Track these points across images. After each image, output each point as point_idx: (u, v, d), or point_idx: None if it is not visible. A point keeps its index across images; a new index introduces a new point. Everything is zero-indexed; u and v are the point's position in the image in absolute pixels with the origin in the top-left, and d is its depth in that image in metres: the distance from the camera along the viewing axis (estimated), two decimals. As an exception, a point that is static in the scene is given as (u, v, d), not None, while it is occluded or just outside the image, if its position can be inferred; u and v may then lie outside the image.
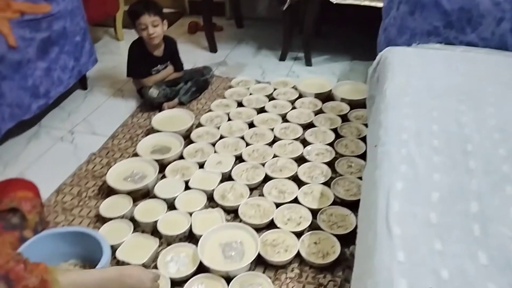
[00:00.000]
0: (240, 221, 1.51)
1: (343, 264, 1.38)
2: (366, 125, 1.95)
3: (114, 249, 1.37)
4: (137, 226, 1.51)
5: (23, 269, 0.94)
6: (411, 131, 1.15)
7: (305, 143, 1.90)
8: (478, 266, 0.78)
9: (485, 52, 1.66)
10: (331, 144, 1.88)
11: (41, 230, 1.36)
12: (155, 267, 1.35)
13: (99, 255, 1.24)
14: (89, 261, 1.35)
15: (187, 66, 2.42)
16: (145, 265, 1.35)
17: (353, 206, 1.53)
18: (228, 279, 1.29)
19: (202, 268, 1.34)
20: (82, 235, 1.32)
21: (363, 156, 1.79)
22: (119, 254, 1.37)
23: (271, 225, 1.51)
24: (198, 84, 2.36)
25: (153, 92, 2.20)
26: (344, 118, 2.07)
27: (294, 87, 2.35)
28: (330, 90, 2.28)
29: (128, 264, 1.34)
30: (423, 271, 0.78)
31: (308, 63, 2.69)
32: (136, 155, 1.86)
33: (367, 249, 0.89)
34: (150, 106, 2.24)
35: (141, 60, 2.22)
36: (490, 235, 0.84)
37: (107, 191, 1.69)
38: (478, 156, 1.04)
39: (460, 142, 1.09)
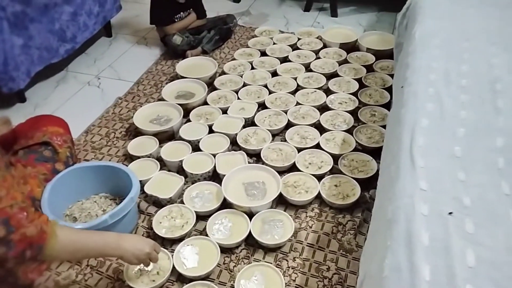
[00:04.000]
0: (263, 163, 1.54)
1: (363, 206, 1.41)
2: (391, 75, 1.92)
3: (142, 184, 1.42)
4: (163, 166, 1.56)
5: (25, 217, 0.90)
6: (440, 72, 1.14)
7: (328, 92, 1.90)
8: (501, 195, 0.80)
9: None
10: (354, 94, 1.87)
11: (72, 164, 1.42)
12: (181, 202, 1.41)
13: (128, 189, 1.30)
14: (119, 194, 1.41)
15: (209, 15, 2.40)
16: (172, 200, 1.41)
17: (375, 153, 1.54)
18: (251, 215, 1.34)
19: (225, 205, 1.39)
20: (112, 169, 1.38)
21: (387, 106, 1.78)
22: (147, 189, 1.43)
23: (292, 168, 1.54)
24: (221, 32, 2.34)
25: (177, 39, 2.20)
26: (369, 69, 2.04)
27: (319, 37, 2.31)
28: (356, 40, 2.23)
29: (156, 197, 1.41)
30: (445, 198, 0.80)
31: (334, 13, 2.62)
32: (161, 100, 1.89)
33: (389, 181, 0.90)
34: (173, 53, 2.25)
35: (164, 7, 2.20)
36: (515, 168, 0.85)
37: (134, 133, 1.74)
38: (506, 95, 1.03)
39: (489, 82, 1.08)
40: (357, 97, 1.85)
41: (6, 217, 0.87)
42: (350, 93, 1.87)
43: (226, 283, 1.21)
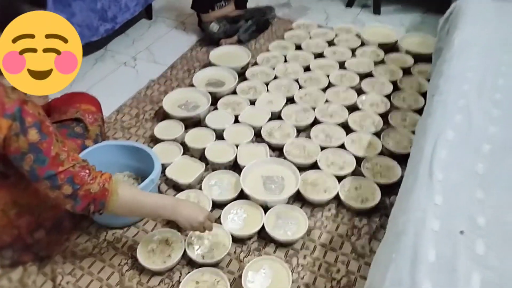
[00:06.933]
0: (284, 158, 1.54)
1: (382, 211, 1.39)
2: (429, 80, 1.85)
3: (164, 167, 1.46)
4: (186, 150, 1.59)
5: (88, 174, 1.00)
6: (474, 83, 1.09)
7: (360, 92, 1.86)
8: (519, 219, 0.76)
9: None
10: (387, 96, 1.83)
11: (101, 142, 1.47)
12: (200, 188, 1.43)
13: (151, 170, 1.33)
14: (141, 174, 1.45)
15: (250, 5, 2.39)
16: (191, 185, 1.44)
17: (401, 158, 1.50)
18: (266, 208, 1.35)
19: (242, 196, 1.41)
20: (137, 150, 1.42)
21: (420, 112, 1.72)
22: (168, 172, 1.47)
23: (314, 166, 1.52)
24: (258, 23, 2.33)
25: (214, 27, 2.21)
26: (406, 71, 1.97)
27: (358, 35, 2.26)
28: (396, 41, 2.17)
29: (176, 182, 1.44)
30: (459, 216, 0.77)
31: (377, 11, 2.55)
32: (191, 85, 1.92)
33: (405, 191, 0.88)
34: (209, 40, 2.27)
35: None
36: (539, 191, 0.80)
37: (162, 116, 1.78)
38: (543, 114, 0.97)
39: (526, 98, 1.02)
40: (390, 100, 1.80)
41: (70, 176, 0.97)
42: (383, 95, 1.83)
43: (234, 272, 1.22)
